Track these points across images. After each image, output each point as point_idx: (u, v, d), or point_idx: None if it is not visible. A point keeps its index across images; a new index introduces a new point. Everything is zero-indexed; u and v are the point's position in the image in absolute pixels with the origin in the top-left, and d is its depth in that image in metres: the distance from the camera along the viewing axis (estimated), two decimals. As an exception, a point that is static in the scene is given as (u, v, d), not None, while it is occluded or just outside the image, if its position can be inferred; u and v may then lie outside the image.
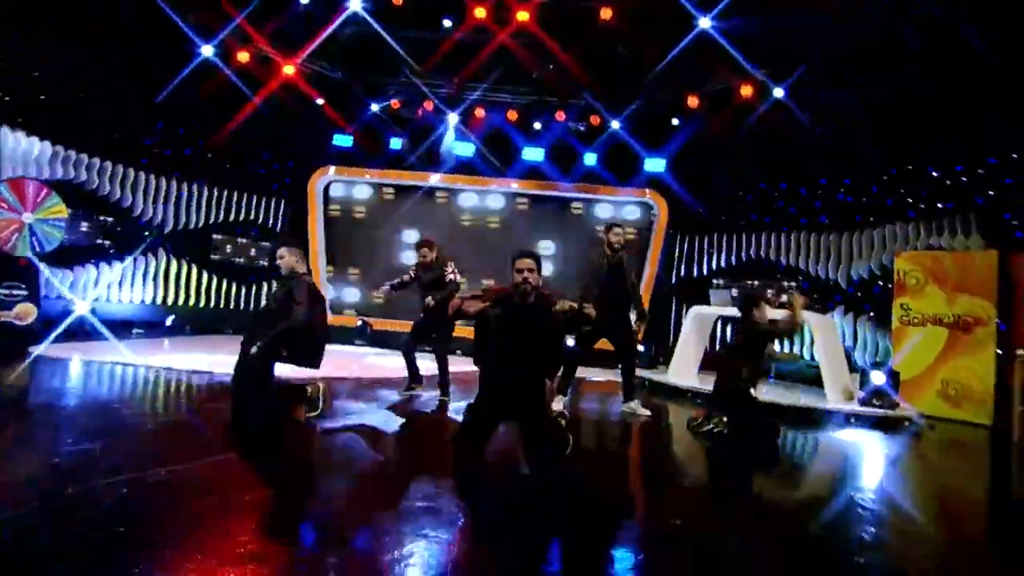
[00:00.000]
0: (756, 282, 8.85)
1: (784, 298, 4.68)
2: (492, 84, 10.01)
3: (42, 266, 7.39)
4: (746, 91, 9.19)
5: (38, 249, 7.18)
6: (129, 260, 9.09)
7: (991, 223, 7.29)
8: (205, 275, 10.03)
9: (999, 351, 6.34)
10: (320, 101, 9.96)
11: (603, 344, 5.49)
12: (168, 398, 4.53)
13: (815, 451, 4.60)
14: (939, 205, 8.00)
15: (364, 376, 6.29)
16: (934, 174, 8.15)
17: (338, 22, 8.67)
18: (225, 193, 10.30)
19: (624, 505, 3.01)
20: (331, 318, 10.65)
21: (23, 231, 7.05)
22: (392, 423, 4.37)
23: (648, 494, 3.24)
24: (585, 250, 5.51)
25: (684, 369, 7.29)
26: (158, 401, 4.39)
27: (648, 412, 5.25)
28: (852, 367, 7.34)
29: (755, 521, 2.81)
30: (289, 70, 9.27)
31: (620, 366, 5.41)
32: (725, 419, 4.38)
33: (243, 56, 9.00)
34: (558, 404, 4.96)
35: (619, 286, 5.29)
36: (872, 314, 8.45)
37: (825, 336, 6.66)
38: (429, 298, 5.09)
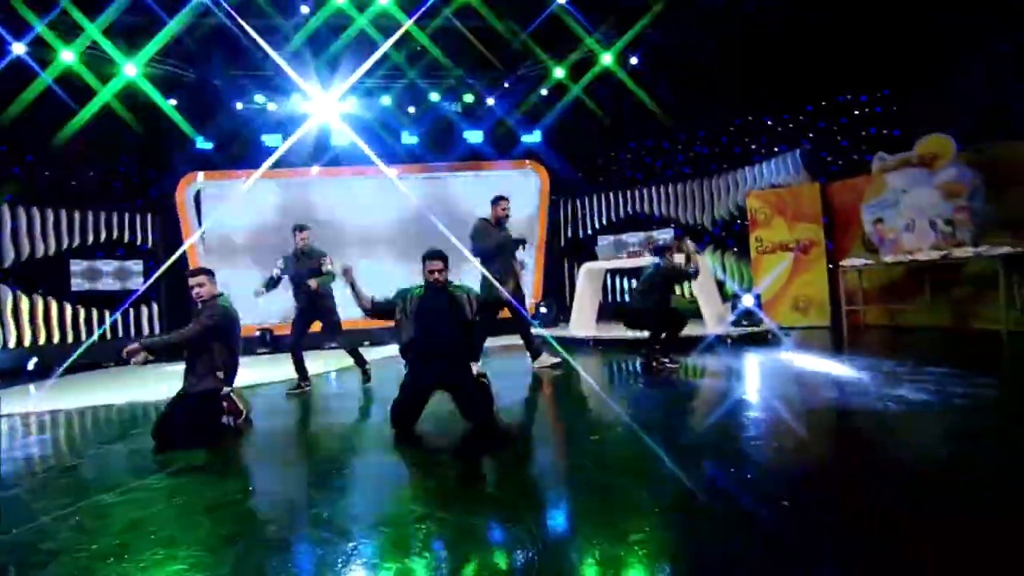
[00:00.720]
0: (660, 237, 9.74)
1: (683, 247, 5.65)
2: (363, 72, 9.86)
3: None
4: (606, 58, 9.91)
5: None
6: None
7: (813, 160, 8.65)
8: (68, 308, 9.02)
9: (830, 265, 7.65)
10: (173, 102, 9.20)
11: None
12: (78, 434, 4.20)
13: (704, 369, 5.36)
14: (775, 148, 9.30)
15: (277, 379, 6.16)
16: (768, 122, 9.43)
17: (183, 13, 8.06)
18: (77, 214, 9.23)
19: (547, 441, 3.43)
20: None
21: None
22: (318, 411, 4.45)
23: (565, 431, 3.67)
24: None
25: (584, 322, 7.94)
26: (74, 440, 4.07)
27: (557, 359, 5.71)
28: (725, 296, 8.44)
29: (659, 438, 3.34)
30: (132, 70, 8.46)
31: (520, 332, 5.77)
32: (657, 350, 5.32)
33: (67, 55, 8.02)
34: (474, 368, 5.28)
35: (510, 257, 5.59)
36: (736, 248, 9.68)
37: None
38: (312, 281, 5.06)
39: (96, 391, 6.11)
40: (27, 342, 8.66)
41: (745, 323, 6.92)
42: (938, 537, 1.79)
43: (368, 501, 2.39)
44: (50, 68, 7.97)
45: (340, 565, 1.78)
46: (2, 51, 7.73)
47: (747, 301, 7.29)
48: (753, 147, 9.64)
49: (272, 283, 5.27)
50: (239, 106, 9.76)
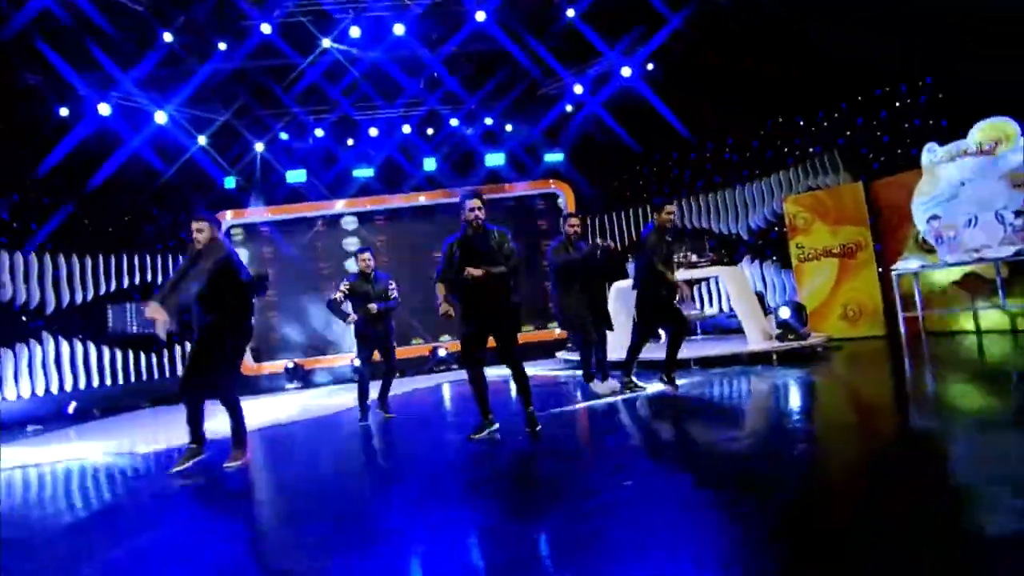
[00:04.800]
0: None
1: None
2: (380, 101, 9.94)
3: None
4: (625, 71, 9.66)
5: None
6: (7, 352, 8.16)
7: (853, 159, 8.08)
8: (106, 351, 9.18)
9: (879, 269, 7.03)
10: (202, 141, 9.43)
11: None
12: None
13: (747, 389, 4.89)
14: (810, 150, 8.77)
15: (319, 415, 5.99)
16: (801, 123, 8.93)
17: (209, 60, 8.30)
18: (113, 259, 9.46)
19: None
20: (259, 366, 10.19)
21: None
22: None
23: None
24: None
25: (616, 343, 7.51)
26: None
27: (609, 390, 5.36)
28: (767, 309, 7.88)
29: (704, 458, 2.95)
30: (161, 118, 8.71)
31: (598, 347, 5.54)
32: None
33: (104, 108, 8.35)
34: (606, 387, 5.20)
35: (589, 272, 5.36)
36: (775, 257, 9.11)
37: (737, 286, 7.11)
38: (372, 305, 5.03)
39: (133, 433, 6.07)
40: (68, 387, 8.83)
41: (791, 337, 6.37)
42: None
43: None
44: (86, 121, 8.33)
45: None
46: (50, 112, 8.19)
47: (784, 313, 6.63)
48: (786, 150, 9.13)
49: (335, 306, 5.20)
50: (259, 147, 9.96)
